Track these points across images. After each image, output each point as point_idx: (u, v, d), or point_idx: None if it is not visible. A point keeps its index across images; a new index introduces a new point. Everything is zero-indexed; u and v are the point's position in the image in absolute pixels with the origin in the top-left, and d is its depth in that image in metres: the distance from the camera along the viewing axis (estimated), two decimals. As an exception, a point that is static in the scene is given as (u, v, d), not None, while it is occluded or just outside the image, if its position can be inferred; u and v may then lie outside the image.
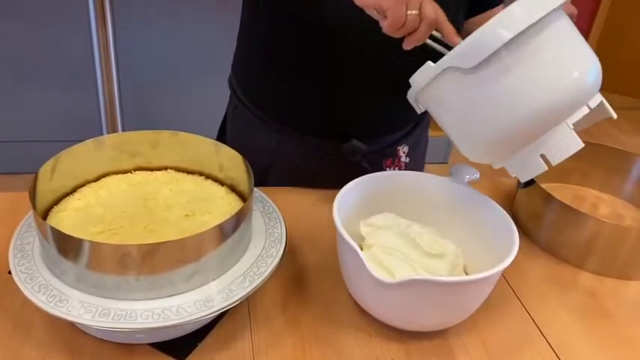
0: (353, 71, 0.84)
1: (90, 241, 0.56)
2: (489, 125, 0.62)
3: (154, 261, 0.57)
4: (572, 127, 0.61)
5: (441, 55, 0.63)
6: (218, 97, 1.13)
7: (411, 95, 0.68)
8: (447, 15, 0.65)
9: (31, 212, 0.69)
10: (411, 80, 0.66)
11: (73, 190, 0.72)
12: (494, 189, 0.98)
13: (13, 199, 0.84)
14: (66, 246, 0.58)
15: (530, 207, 0.89)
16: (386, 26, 0.64)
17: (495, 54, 0.58)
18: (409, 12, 0.62)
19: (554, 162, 0.63)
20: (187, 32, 2.09)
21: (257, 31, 0.90)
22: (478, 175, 0.77)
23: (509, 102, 0.59)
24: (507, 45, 0.57)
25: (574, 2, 0.70)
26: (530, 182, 0.88)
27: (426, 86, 0.64)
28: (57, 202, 0.70)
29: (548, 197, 0.84)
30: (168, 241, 0.57)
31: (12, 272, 0.61)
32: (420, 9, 0.62)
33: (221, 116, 1.06)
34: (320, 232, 0.80)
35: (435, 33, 0.66)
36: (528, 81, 0.59)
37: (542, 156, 0.63)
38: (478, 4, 0.89)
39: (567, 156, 0.62)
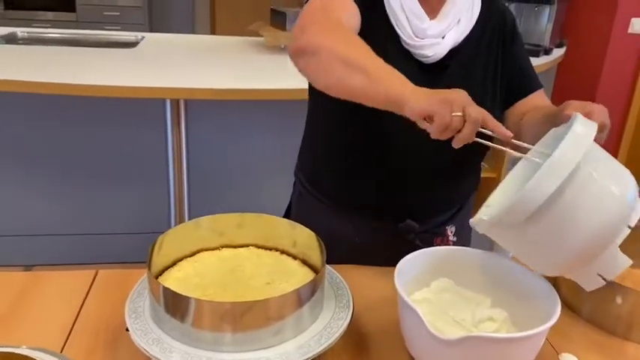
0: (406, 163, 0.98)
1: (195, 298, 0.69)
2: (548, 260, 0.71)
3: (247, 318, 0.69)
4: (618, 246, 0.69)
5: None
6: (279, 189, 1.28)
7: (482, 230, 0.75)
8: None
9: (139, 281, 0.82)
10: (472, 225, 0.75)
11: (173, 264, 0.85)
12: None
13: (113, 275, 0.98)
14: (174, 304, 0.70)
15: (572, 283, 0.96)
16: (433, 130, 0.72)
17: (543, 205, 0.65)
18: (453, 114, 0.70)
19: (609, 278, 0.72)
20: (248, 137, 2.30)
21: (320, 130, 1.06)
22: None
23: (561, 241, 0.68)
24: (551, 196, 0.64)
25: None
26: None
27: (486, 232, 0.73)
28: (160, 273, 0.83)
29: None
30: (259, 301, 0.68)
31: (129, 329, 0.73)
32: (463, 111, 0.71)
33: (281, 207, 1.20)
34: (380, 304, 0.90)
35: (482, 130, 0.74)
36: (574, 220, 0.67)
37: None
38: (517, 92, 1.03)
39: (618, 273, 0.71)
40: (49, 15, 4.85)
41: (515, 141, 0.75)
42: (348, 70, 0.77)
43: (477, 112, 0.71)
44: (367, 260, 1.02)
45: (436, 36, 0.96)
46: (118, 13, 4.89)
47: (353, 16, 0.91)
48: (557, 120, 0.80)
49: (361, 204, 1.04)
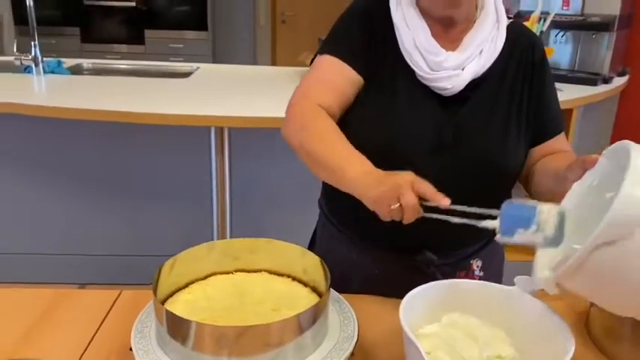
0: None
1: (195, 321, 0.69)
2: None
3: (244, 342, 0.68)
4: None
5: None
6: (309, 216, 1.28)
7: (549, 280, 0.69)
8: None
9: (150, 303, 0.84)
10: (555, 266, 0.68)
11: (185, 286, 0.87)
12: (569, 305, 1.00)
13: (135, 295, 1.00)
14: (175, 327, 0.71)
15: (604, 324, 0.90)
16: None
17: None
18: (392, 207, 0.76)
19: None
20: (287, 164, 2.33)
21: None
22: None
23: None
24: None
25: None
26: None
27: (576, 269, 0.64)
28: (171, 294, 0.85)
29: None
30: (257, 325, 0.68)
31: (132, 349, 0.75)
32: (399, 200, 0.75)
33: (311, 231, 1.20)
34: (390, 337, 0.87)
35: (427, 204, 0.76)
36: None
37: None
38: (537, 135, 1.00)
39: None
40: (123, 48, 5.18)
41: (455, 206, 0.77)
42: (316, 167, 0.91)
43: (412, 198, 0.75)
44: (387, 292, 0.99)
45: (455, 68, 0.94)
46: (182, 45, 5.14)
47: (344, 81, 0.96)
48: (568, 174, 0.78)
49: (377, 234, 1.02)
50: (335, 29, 1.03)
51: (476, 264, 1.04)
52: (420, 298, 0.80)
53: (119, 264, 2.47)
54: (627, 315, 0.74)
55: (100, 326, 0.91)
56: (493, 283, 0.83)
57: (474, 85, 0.96)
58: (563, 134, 1.02)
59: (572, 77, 2.52)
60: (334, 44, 1.00)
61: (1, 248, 2.45)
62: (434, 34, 0.96)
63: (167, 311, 0.72)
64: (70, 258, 2.46)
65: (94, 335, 0.89)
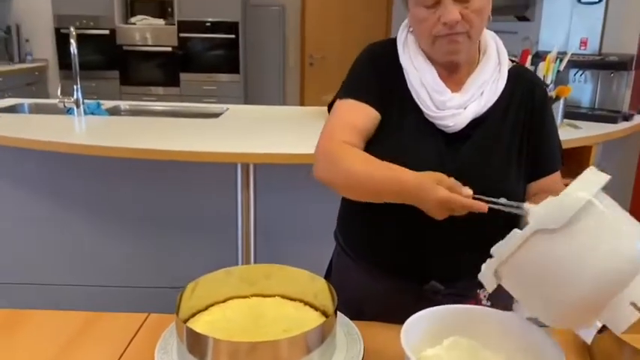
0: (431, 224, 1.01)
1: (212, 337, 0.76)
2: (580, 281, 0.69)
3: (256, 357, 0.75)
4: None
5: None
6: (330, 248, 1.35)
7: (490, 267, 0.78)
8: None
9: (173, 323, 0.91)
10: (495, 250, 0.76)
11: (206, 308, 0.94)
12: (571, 333, 1.02)
13: (161, 318, 1.08)
14: (194, 343, 0.78)
15: (606, 351, 0.93)
16: None
17: (578, 213, 0.67)
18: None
19: None
20: (309, 198, 2.40)
21: None
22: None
23: (594, 255, 0.68)
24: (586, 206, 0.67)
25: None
26: (604, 328, 0.93)
27: (511, 255, 0.73)
28: (192, 316, 0.92)
29: (622, 343, 0.89)
30: (267, 341, 0.75)
31: (155, 363, 0.82)
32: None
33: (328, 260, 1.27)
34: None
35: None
36: (612, 234, 0.69)
37: (633, 304, 0.68)
38: (536, 171, 1.05)
39: None
40: (159, 90, 5.43)
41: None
42: (358, 194, 1.01)
43: (459, 205, 0.89)
44: (396, 319, 1.04)
45: (457, 107, 1.01)
46: (215, 87, 5.36)
47: (364, 119, 1.04)
48: None
49: (385, 264, 1.07)
50: (350, 76, 1.11)
51: (483, 294, 1.08)
52: (421, 323, 0.85)
53: (147, 295, 2.55)
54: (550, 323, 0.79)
55: (127, 345, 0.98)
56: (492, 309, 0.88)
57: (476, 123, 1.02)
58: (558, 174, 1.07)
59: (592, 115, 2.55)
60: (351, 89, 1.08)
61: (39, 279, 2.57)
62: (439, 77, 1.03)
63: (187, 328, 0.79)
64: (100, 289, 2.56)
65: (122, 354, 0.96)
